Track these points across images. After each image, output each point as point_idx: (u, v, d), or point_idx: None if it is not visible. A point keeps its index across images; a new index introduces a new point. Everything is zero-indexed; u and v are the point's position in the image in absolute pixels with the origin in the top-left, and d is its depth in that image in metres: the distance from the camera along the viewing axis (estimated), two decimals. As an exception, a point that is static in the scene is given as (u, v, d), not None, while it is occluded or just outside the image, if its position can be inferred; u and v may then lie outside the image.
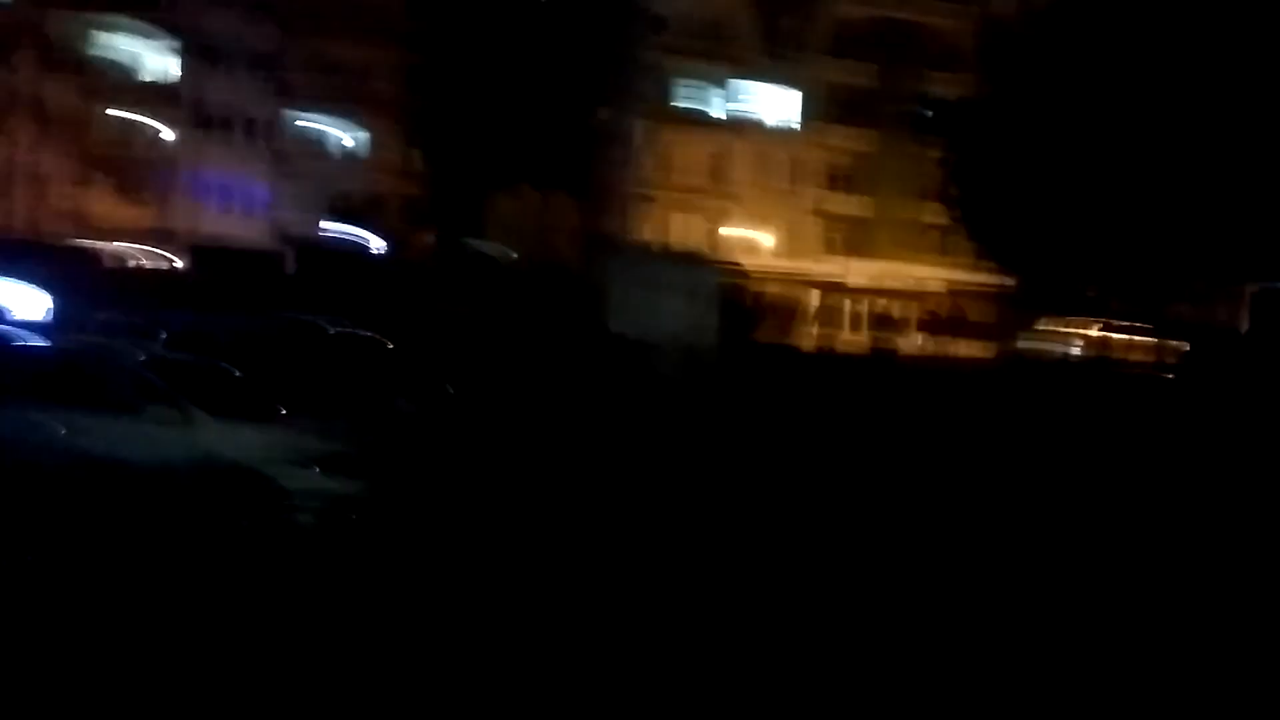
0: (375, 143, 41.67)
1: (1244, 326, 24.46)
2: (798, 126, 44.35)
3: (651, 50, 39.30)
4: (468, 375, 15.25)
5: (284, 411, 9.30)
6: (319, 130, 42.34)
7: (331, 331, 14.22)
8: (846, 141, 43.90)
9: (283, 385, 10.91)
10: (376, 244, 35.51)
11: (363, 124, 41.87)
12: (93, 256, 31.59)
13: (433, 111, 35.24)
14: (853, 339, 38.11)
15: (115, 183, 41.12)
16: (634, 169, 42.66)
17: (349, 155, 41.90)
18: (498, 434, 12.27)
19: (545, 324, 19.83)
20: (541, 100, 32.72)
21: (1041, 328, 28.39)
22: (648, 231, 39.86)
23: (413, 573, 7.27)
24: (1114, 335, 26.97)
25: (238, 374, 9.99)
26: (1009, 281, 32.98)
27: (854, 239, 44.31)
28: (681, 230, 41.34)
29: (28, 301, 24.63)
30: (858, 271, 43.04)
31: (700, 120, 43.79)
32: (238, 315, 13.44)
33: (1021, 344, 29.08)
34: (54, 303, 23.01)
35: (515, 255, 31.26)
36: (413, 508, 8.86)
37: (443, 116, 34.58)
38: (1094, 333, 27.44)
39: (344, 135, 42.41)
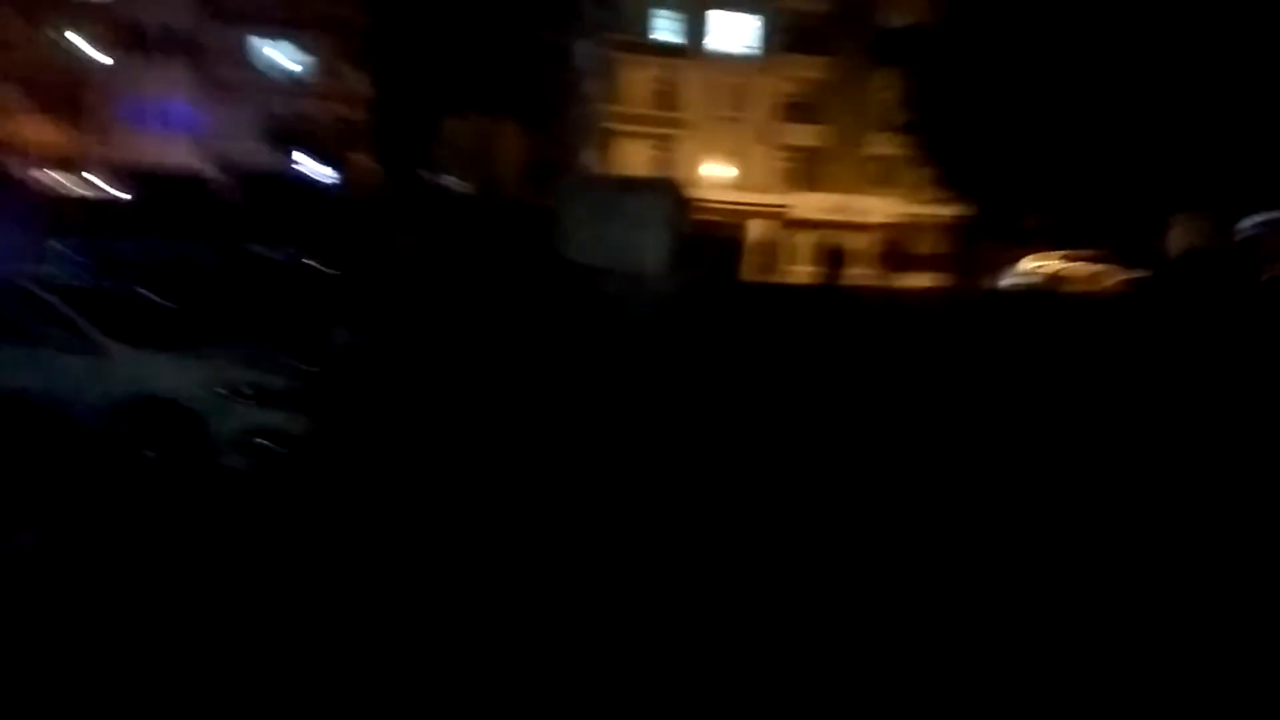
0: (322, 67, 40.11)
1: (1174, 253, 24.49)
2: (755, 54, 43.44)
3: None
4: (411, 306, 14.88)
5: (212, 341, 8.77)
6: (262, 54, 40.67)
7: (268, 259, 13.59)
8: (804, 70, 43.12)
9: (214, 315, 10.37)
10: (322, 171, 34.45)
11: (309, 47, 40.28)
12: (19, 181, 30.30)
13: (382, 34, 33.93)
14: (807, 271, 37.94)
15: (45, 107, 39.42)
16: (587, 96, 41.70)
17: (294, 80, 40.28)
18: (441, 366, 11.91)
19: (495, 253, 19.32)
20: (493, 24, 31.65)
21: (1001, 259, 28.41)
22: (600, 161, 39.13)
23: (348, 516, 6.87)
24: (1075, 264, 27.06)
25: (162, 303, 9.44)
26: (968, 212, 32.77)
27: (811, 170, 43.83)
28: (635, 160, 40.59)
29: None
30: (814, 203, 42.69)
31: (656, 47, 42.70)
32: (169, 242, 12.74)
33: (982, 277, 29.13)
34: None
35: (465, 184, 30.44)
36: (349, 444, 8.44)
37: (392, 39, 33.33)
38: (1054, 263, 27.51)
39: (288, 59, 40.76)
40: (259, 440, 7.73)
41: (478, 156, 32.02)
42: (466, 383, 11.33)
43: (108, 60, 39.65)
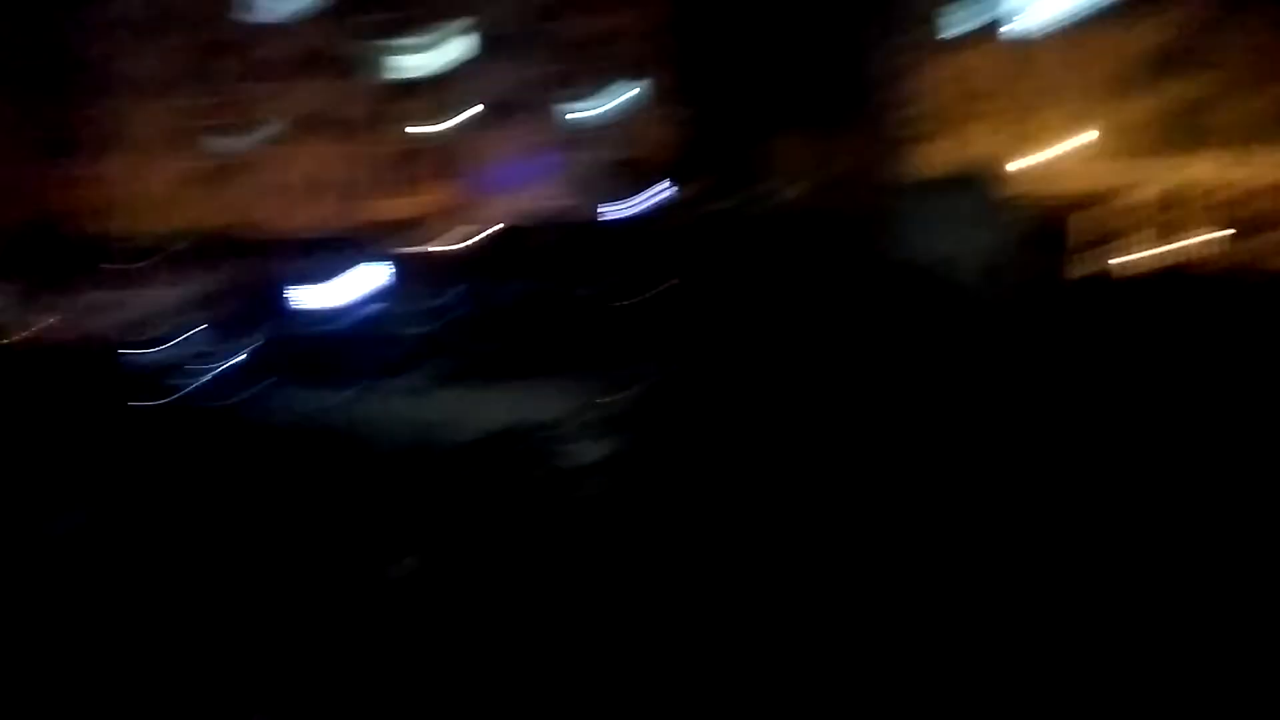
0: (642, 106, 41.93)
1: None
2: (1074, 26, 39.68)
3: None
4: (744, 334, 14.59)
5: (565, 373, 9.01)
6: (585, 103, 43.22)
7: (601, 294, 13.84)
8: (1142, 34, 38.74)
9: (564, 350, 10.81)
10: (648, 208, 35.72)
11: (628, 89, 42.27)
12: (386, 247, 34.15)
13: (699, 65, 34.68)
14: (1168, 253, 33.80)
15: (407, 177, 44.51)
16: (911, 99, 40.17)
17: (617, 123, 42.39)
18: (786, 391, 11.63)
19: (829, 267, 18.87)
20: (806, 37, 31.31)
21: None
22: (931, 163, 37.44)
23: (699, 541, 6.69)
24: None
25: (504, 344, 9.90)
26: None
27: (1152, 140, 39.21)
28: (970, 157, 38.40)
29: (343, 289, 27.17)
30: (1164, 176, 38.07)
31: (982, 37, 40.26)
32: (515, 287, 13.42)
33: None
34: (360, 289, 25.22)
35: (785, 199, 30.24)
36: (701, 467, 8.31)
37: (708, 69, 33.99)
38: None
39: (611, 103, 43.00)
40: (614, 467, 7.70)
41: (805, 173, 31.75)
42: (821, 400, 10.97)
43: (446, 134, 44.05)
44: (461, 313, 12.34)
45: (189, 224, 48.02)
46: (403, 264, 33.76)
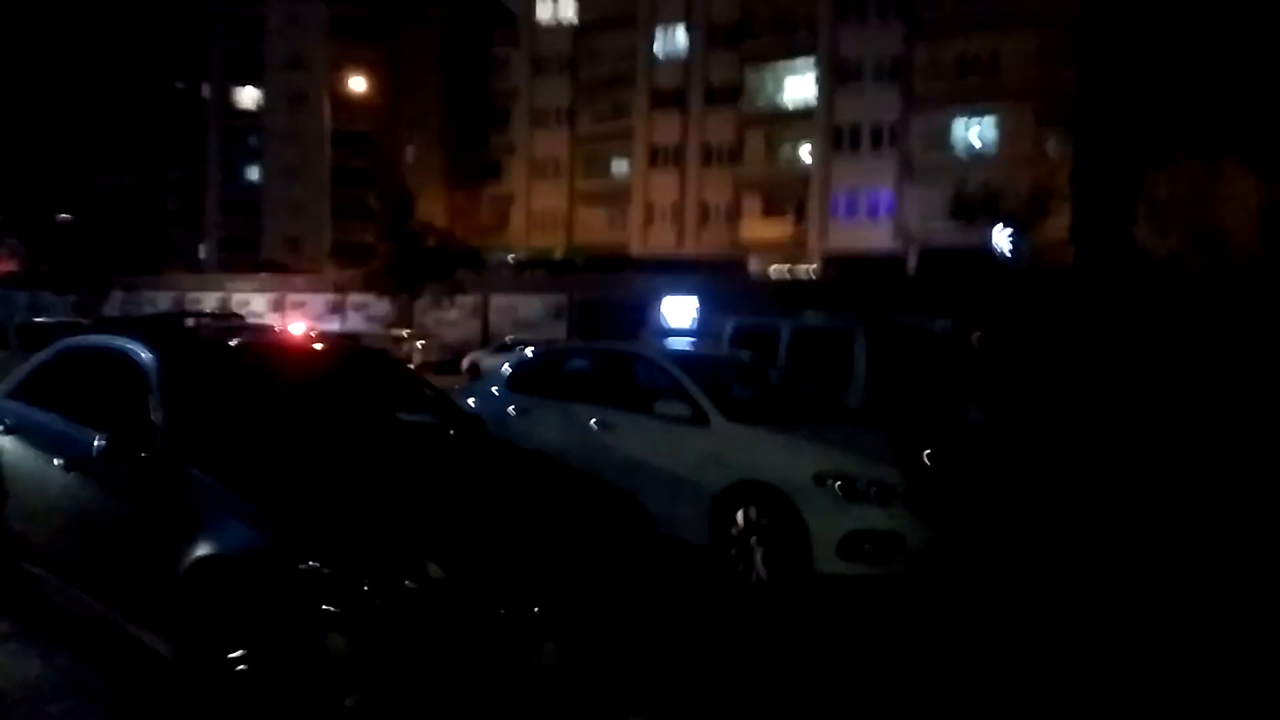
0: (1017, 135, 38.86)
1: None
2: None
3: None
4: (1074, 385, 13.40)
5: (836, 419, 8.03)
6: (958, 132, 40.92)
7: (927, 332, 12.58)
8: None
9: (850, 393, 9.90)
10: (1009, 244, 32.95)
11: (1006, 118, 39.38)
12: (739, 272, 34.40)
13: (1089, 90, 30.92)
14: None
15: (764, 204, 44.83)
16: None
17: (988, 153, 39.64)
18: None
19: (1200, 322, 16.07)
20: (1206, 57, 26.75)
21: None
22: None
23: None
24: None
25: (787, 380, 9.12)
26: None
27: None
28: None
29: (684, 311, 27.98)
30: None
31: None
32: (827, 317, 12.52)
33: None
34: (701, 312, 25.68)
35: (1175, 241, 26.23)
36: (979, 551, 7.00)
37: (1098, 94, 30.22)
38: None
39: (983, 133, 40.36)
40: (869, 545, 6.47)
41: (1193, 207, 27.32)
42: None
43: (822, 160, 43.52)
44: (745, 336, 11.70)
45: (571, 240, 52.20)
46: (753, 287, 33.89)
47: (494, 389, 8.83)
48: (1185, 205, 26.59)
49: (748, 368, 8.85)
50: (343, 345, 13.92)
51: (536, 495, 4.53)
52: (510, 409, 8.30)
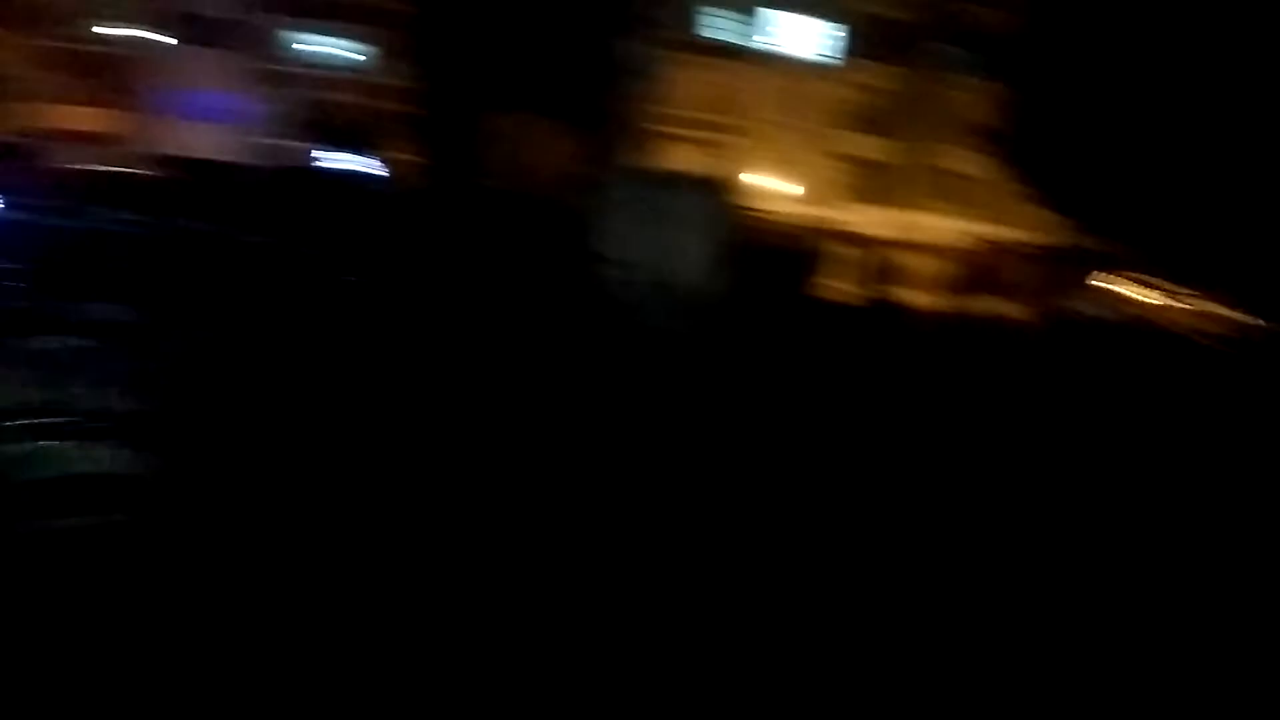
0: (368, 60, 38.73)
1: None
2: (820, 60, 41.04)
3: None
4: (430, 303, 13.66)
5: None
6: (307, 46, 39.40)
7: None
8: (872, 78, 40.64)
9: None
10: (363, 165, 32.93)
11: (356, 39, 38.95)
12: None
13: (428, 27, 32.14)
14: (868, 292, 35.35)
15: (93, 92, 38.63)
16: (646, 99, 39.65)
17: (338, 72, 38.86)
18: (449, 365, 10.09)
19: (524, 253, 17.50)
20: (551, 21, 29.65)
21: (1088, 288, 25.73)
22: (648, 164, 37.06)
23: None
24: (1174, 303, 24.25)
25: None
26: (1051, 236, 30.00)
27: (880, 185, 41.22)
28: (684, 164, 38.42)
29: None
30: (876, 219, 40.06)
31: (712, 48, 40.50)
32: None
33: (1063, 305, 26.46)
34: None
35: (505, 182, 28.50)
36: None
37: (438, 33, 31.51)
38: (1148, 297, 24.77)
39: (334, 51, 39.43)
40: (78, 492, 5.20)
41: (522, 155, 30.07)
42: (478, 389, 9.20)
43: (152, 48, 38.74)
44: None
45: None
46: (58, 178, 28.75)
47: None
48: (516, 149, 29.00)
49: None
50: None
51: None
52: None
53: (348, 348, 9.96)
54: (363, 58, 38.74)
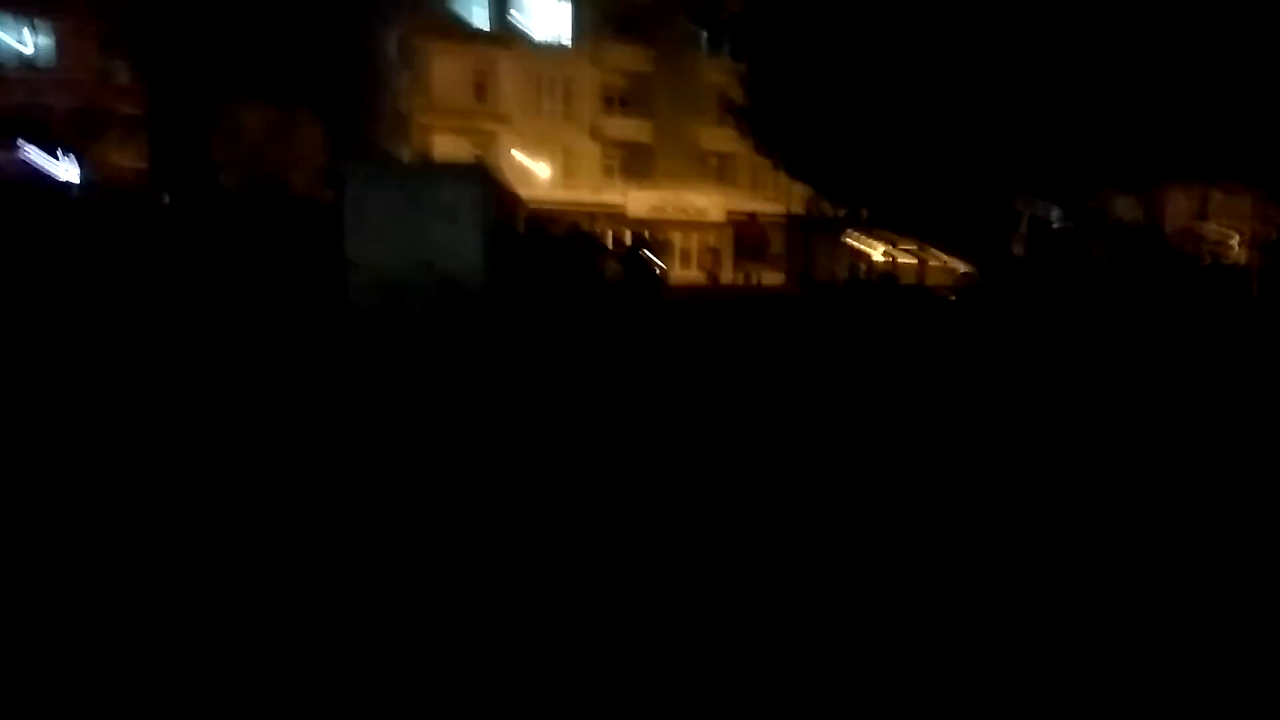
0: (63, 50, 34.62)
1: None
2: (572, 43, 41.03)
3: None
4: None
5: None
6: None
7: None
8: (625, 60, 41.05)
9: None
10: (64, 169, 29.73)
11: (48, 29, 34.78)
12: None
13: (148, 14, 29.11)
14: (635, 271, 35.69)
15: None
16: (390, 85, 38.16)
17: (26, 64, 34.49)
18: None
19: (272, 255, 16.24)
20: (295, 5, 27.67)
21: (838, 252, 27.11)
22: (405, 154, 35.76)
23: None
24: (910, 259, 25.98)
25: None
26: (803, 206, 31.39)
27: (634, 165, 41.79)
28: (445, 154, 37.38)
29: None
30: (644, 200, 40.65)
31: (467, 34, 39.59)
32: None
33: (821, 270, 27.78)
34: None
35: (249, 180, 26.50)
36: None
37: (161, 19, 28.62)
38: (899, 255, 26.41)
39: (21, 41, 35.17)
40: None
41: (266, 150, 27.99)
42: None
43: None
44: None
45: None
46: None
47: None
48: (258, 145, 27.03)
49: None
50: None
51: None
52: None
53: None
54: (57, 48, 34.71)
